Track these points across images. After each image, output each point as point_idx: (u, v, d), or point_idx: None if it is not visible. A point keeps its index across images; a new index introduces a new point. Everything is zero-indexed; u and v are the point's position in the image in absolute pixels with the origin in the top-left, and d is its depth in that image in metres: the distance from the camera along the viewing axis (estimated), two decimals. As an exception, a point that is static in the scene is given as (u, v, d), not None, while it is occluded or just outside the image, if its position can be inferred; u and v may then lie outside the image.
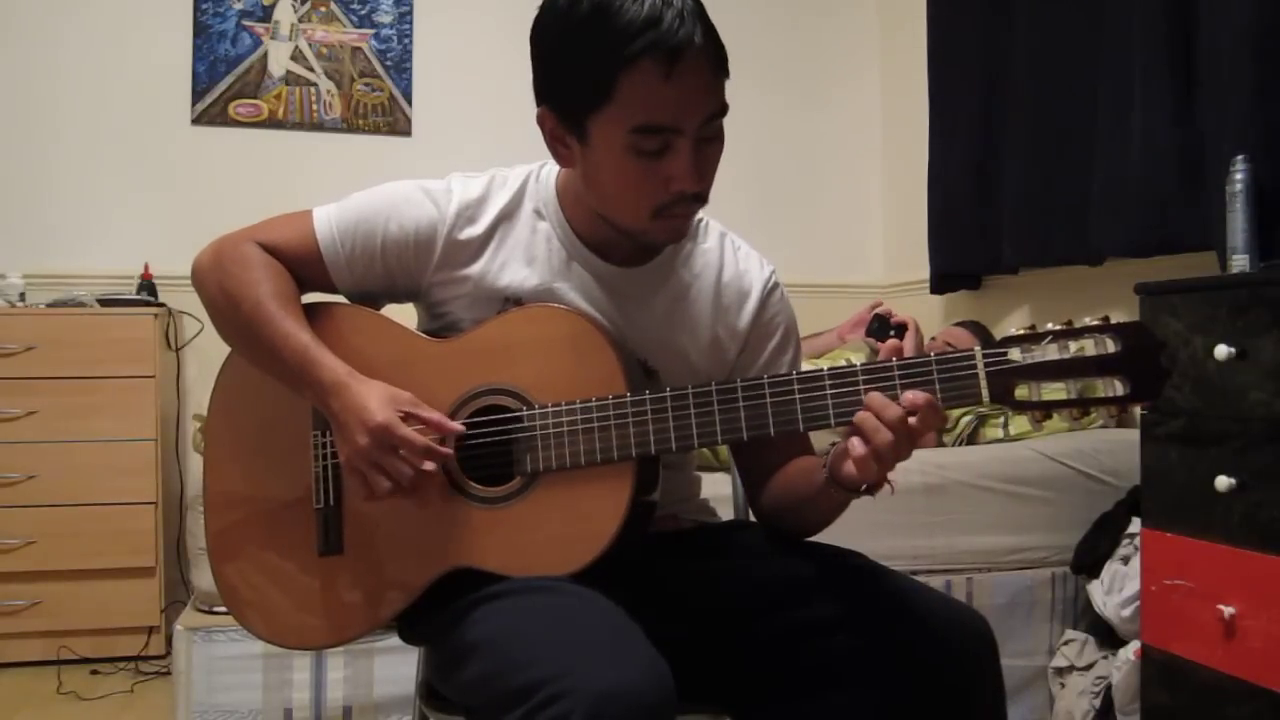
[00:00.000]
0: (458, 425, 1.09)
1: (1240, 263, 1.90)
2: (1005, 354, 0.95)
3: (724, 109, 1.06)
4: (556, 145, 1.11)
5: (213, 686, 2.00)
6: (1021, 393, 0.94)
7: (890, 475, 1.02)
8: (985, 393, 0.95)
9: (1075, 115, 2.64)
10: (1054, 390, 0.94)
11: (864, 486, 1.02)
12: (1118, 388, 0.93)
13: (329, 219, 1.19)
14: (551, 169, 1.21)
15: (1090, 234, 2.55)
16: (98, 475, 2.81)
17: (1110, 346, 0.93)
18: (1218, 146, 2.12)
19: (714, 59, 1.03)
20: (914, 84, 3.43)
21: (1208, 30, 2.18)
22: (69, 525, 2.78)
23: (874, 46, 3.87)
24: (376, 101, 3.44)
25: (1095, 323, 0.93)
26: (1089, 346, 0.93)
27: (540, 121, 1.11)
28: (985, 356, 0.95)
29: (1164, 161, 2.29)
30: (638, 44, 0.99)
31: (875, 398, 0.97)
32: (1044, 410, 0.95)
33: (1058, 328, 0.94)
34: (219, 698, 2.00)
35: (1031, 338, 0.94)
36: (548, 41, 1.07)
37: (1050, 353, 0.94)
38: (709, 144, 1.07)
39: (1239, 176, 1.92)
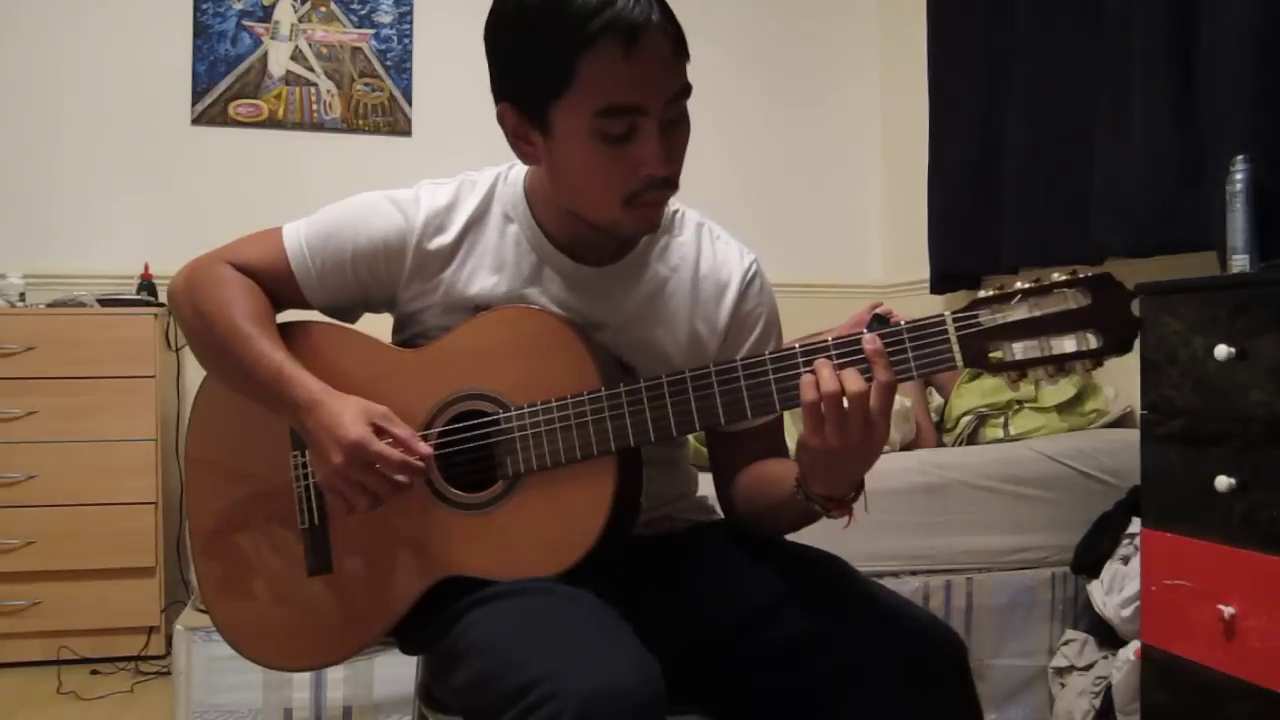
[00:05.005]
0: (425, 447, 1.08)
1: (1240, 263, 1.90)
2: (976, 316, 0.93)
3: (687, 89, 1.05)
4: (519, 143, 1.10)
5: (213, 686, 2.00)
6: (995, 354, 0.93)
7: (857, 508, 1.02)
8: (959, 357, 0.94)
9: (1075, 115, 2.64)
10: (1028, 349, 0.92)
11: (829, 509, 1.02)
12: (1091, 341, 0.91)
13: (298, 235, 1.18)
14: (520, 169, 1.20)
15: (1090, 234, 2.54)
16: (98, 475, 2.81)
17: (1081, 300, 0.91)
18: (1218, 146, 2.12)
19: (673, 37, 1.02)
20: (914, 84, 3.42)
21: (1208, 31, 2.18)
22: (69, 525, 2.78)
23: (874, 46, 3.87)
24: (376, 101, 3.44)
25: (1064, 278, 0.92)
26: (1059, 302, 0.92)
27: (501, 120, 1.09)
28: (955, 320, 0.94)
29: (1164, 161, 2.29)
30: (595, 24, 0.98)
31: (822, 368, 0.96)
32: (1019, 370, 0.93)
33: (1027, 285, 0.93)
34: (219, 698, 2.00)
35: (1001, 297, 0.93)
36: (502, 35, 1.06)
37: (1021, 311, 0.92)
38: (675, 127, 1.06)
39: (1239, 176, 1.92)
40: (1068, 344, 0.92)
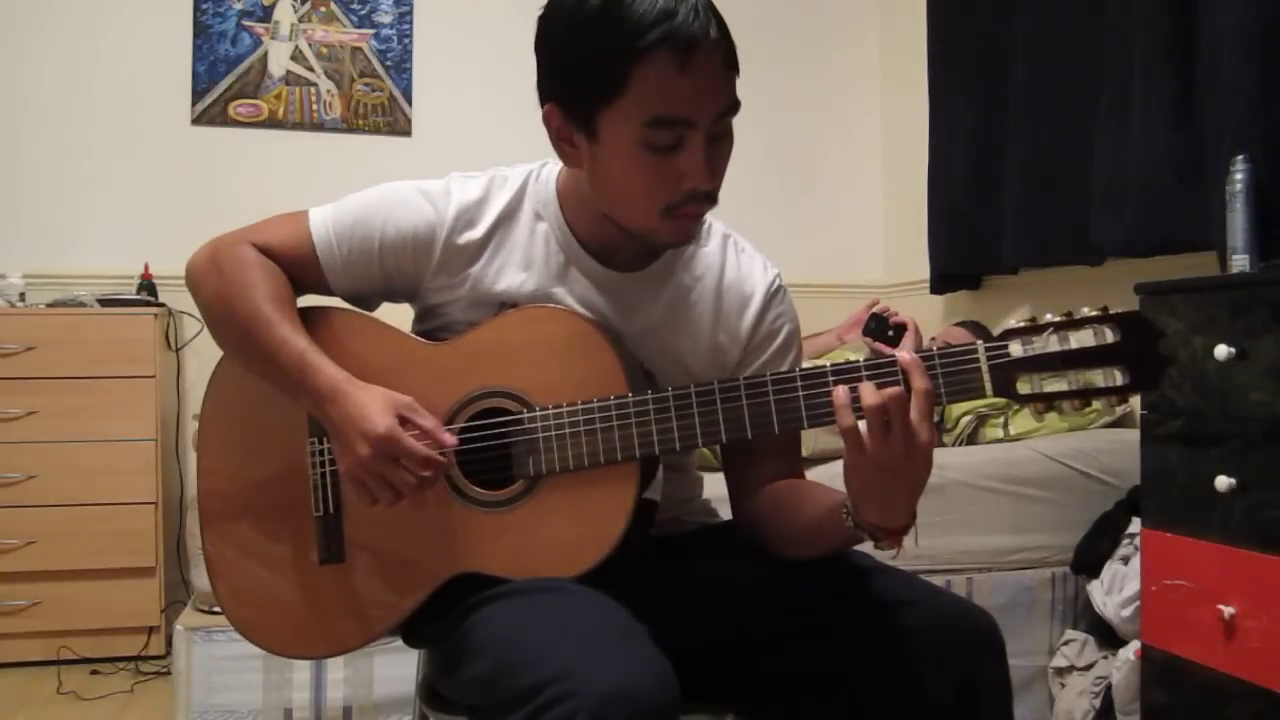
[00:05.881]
0: (451, 438, 1.08)
1: (1240, 263, 1.90)
2: (1006, 347, 0.95)
3: (736, 105, 1.06)
4: (562, 144, 1.10)
5: (213, 686, 2.00)
6: (1023, 385, 0.94)
7: (907, 540, 1.01)
8: (988, 386, 0.95)
9: (1075, 115, 2.64)
10: (1055, 381, 0.94)
11: (879, 538, 1.01)
12: (1118, 377, 0.92)
13: (325, 221, 1.18)
14: (552, 169, 1.20)
15: (1090, 234, 2.55)
16: (98, 475, 2.81)
17: (1109, 337, 0.93)
18: (1218, 146, 2.12)
19: (727, 53, 1.03)
20: (914, 84, 3.42)
21: (1208, 30, 2.18)
22: (69, 525, 2.78)
23: (874, 47, 3.87)
24: (376, 101, 3.44)
25: (1094, 313, 0.93)
26: (1088, 337, 0.93)
27: (546, 120, 1.09)
28: (987, 350, 0.95)
29: (1164, 161, 2.29)
30: (653, 35, 0.98)
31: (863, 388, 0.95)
32: (1046, 402, 0.95)
33: (1058, 319, 0.94)
34: (219, 698, 2.00)
35: (1032, 330, 0.95)
36: (556, 36, 1.06)
37: (1051, 344, 0.94)
38: (720, 141, 1.06)
39: (1239, 176, 1.92)
40: (1095, 378, 0.93)
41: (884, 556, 1.07)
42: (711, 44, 1.00)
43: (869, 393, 0.93)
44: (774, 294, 1.23)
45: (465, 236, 1.16)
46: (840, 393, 0.95)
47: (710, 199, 1.07)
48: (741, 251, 1.25)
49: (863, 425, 0.95)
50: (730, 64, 1.03)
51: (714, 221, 1.25)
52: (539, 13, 1.08)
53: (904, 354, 0.95)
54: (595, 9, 1.00)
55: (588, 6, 1.01)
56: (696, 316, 1.20)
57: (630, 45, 0.98)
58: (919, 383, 0.93)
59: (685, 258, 1.21)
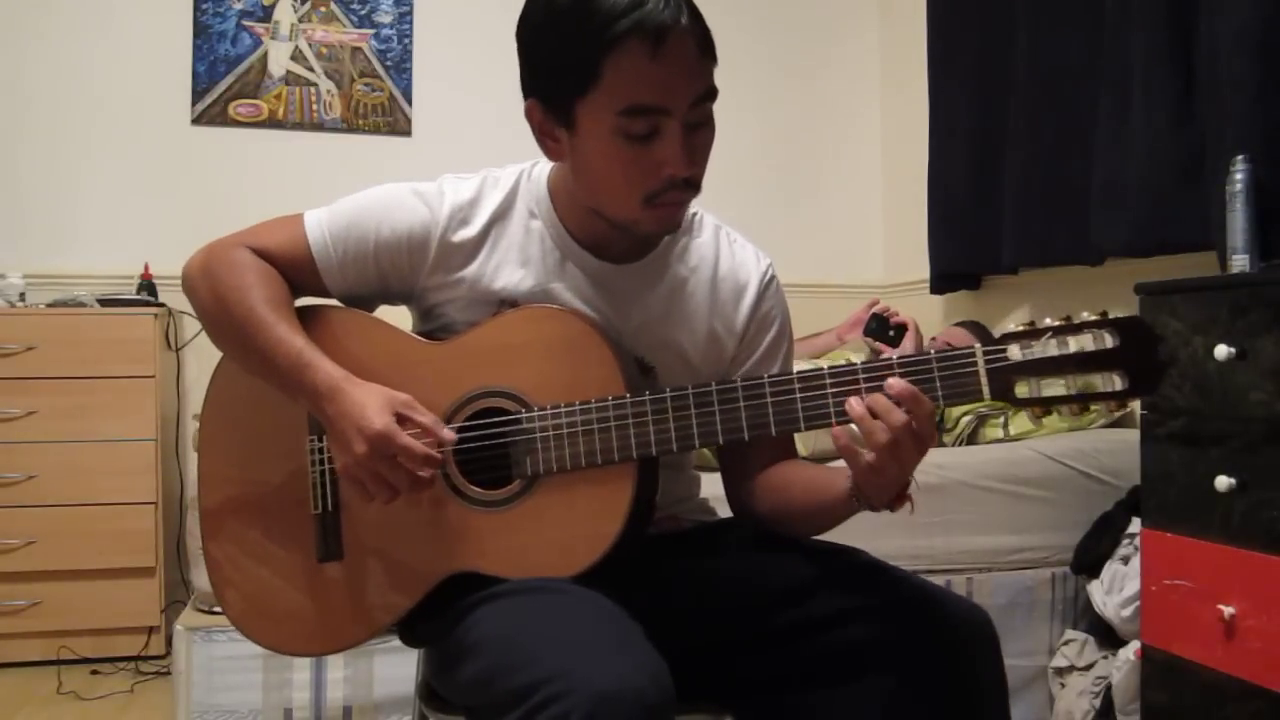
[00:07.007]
0: (449, 433, 1.08)
1: (1240, 263, 1.90)
2: (1005, 351, 0.95)
3: (713, 92, 1.06)
4: (545, 139, 1.11)
5: (213, 686, 2.00)
6: (1021, 389, 0.94)
7: (911, 491, 1.03)
8: (986, 390, 0.95)
9: (1075, 115, 2.64)
10: (1054, 386, 0.94)
11: (893, 507, 1.03)
12: (1116, 382, 0.92)
13: (320, 223, 1.18)
14: (543, 167, 1.20)
15: (1090, 234, 2.54)
16: (98, 475, 2.81)
17: (1108, 341, 0.92)
18: (1218, 146, 2.12)
19: (701, 40, 1.03)
20: (914, 84, 3.42)
21: (1208, 30, 2.18)
22: (69, 525, 2.78)
23: (874, 47, 3.87)
24: (376, 101, 3.44)
25: (1094, 318, 0.93)
26: (1088, 342, 0.93)
27: (528, 115, 1.10)
28: (985, 354, 0.95)
29: (1164, 161, 2.29)
30: (622, 24, 0.99)
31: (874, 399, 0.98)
32: (1044, 406, 0.95)
33: (1057, 323, 0.94)
34: (219, 698, 2.00)
35: (1031, 334, 0.94)
36: (532, 31, 1.07)
37: (1050, 349, 0.94)
38: (699, 129, 1.07)
39: (1239, 176, 1.92)
40: (1094, 383, 0.93)
41: (899, 515, 1.08)
42: (682, 30, 1.00)
43: (878, 431, 0.95)
44: (768, 284, 1.25)
45: (460, 235, 1.17)
46: (840, 434, 0.98)
47: (691, 186, 1.08)
48: (734, 242, 1.26)
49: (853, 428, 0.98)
50: (705, 50, 1.04)
51: (705, 214, 1.26)
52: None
53: (892, 386, 0.96)
54: (567, 2, 1.01)
55: (559, 0, 1.02)
56: (694, 307, 1.21)
57: (601, 35, 0.99)
58: (920, 408, 0.95)
59: (679, 249, 1.22)
